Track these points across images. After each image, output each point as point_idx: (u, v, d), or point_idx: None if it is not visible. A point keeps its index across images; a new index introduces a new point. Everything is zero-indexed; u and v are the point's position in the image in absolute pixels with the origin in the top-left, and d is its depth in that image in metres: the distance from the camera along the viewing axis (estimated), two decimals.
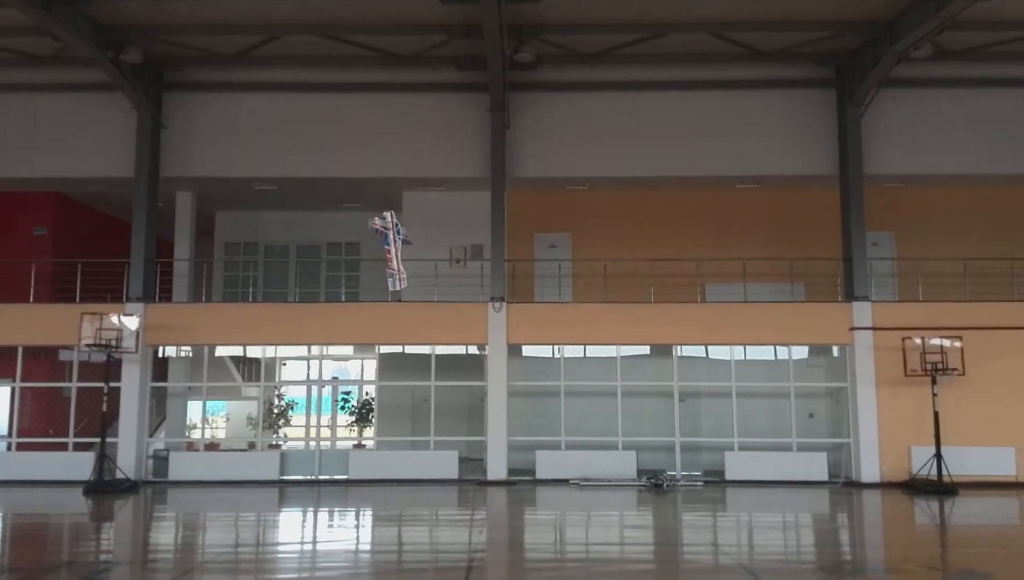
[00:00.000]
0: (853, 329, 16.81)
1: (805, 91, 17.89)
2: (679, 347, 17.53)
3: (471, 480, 16.49)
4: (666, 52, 17.05)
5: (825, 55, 17.31)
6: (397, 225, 12.12)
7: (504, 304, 16.98)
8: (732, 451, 16.90)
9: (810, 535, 12.66)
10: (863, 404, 16.58)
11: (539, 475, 16.57)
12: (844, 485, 16.44)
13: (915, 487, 15.57)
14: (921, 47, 15.89)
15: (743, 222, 19.12)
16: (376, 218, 12.36)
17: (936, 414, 15.59)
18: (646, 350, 18.25)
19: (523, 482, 16.37)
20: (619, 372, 17.27)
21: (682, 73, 17.71)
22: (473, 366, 18.09)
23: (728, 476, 16.60)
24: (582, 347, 18.17)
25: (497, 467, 16.49)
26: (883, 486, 16.08)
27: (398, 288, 11.79)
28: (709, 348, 18.00)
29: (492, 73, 16.24)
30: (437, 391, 17.36)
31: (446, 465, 16.70)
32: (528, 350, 18.33)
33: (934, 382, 15.68)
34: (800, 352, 18.00)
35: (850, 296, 17.06)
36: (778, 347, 17.81)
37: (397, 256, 11.96)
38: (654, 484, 15.83)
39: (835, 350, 17.91)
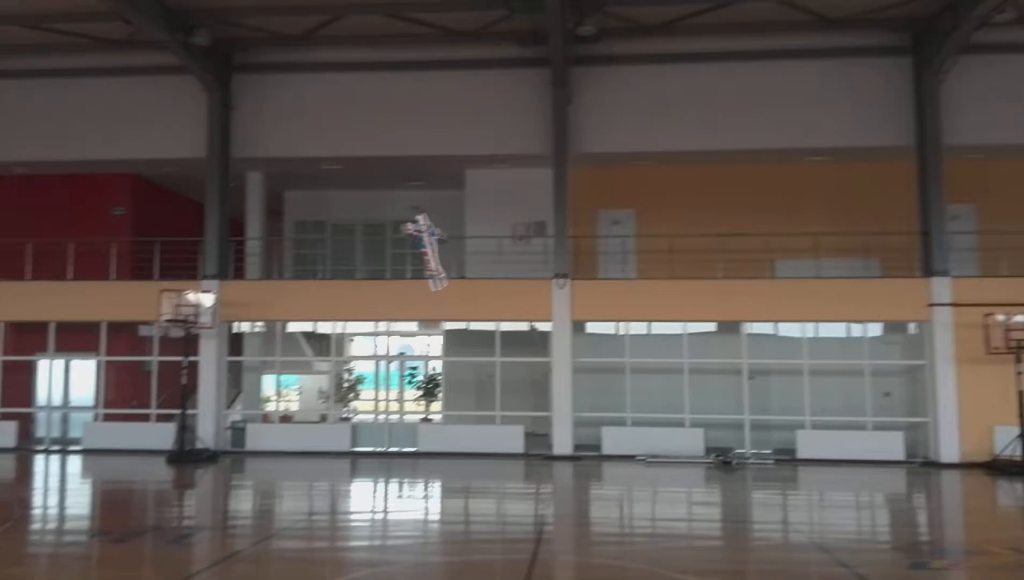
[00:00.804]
0: (931, 305, 16.25)
1: (879, 59, 17.23)
2: (748, 324, 17.23)
3: (537, 455, 16.60)
4: (733, 22, 16.61)
5: (901, 21, 16.62)
6: (431, 226, 12.36)
7: (568, 281, 16.94)
8: (804, 429, 16.59)
9: (886, 515, 12.38)
10: (942, 382, 16.06)
11: (605, 451, 16.57)
12: (922, 465, 15.99)
13: (998, 468, 15.04)
14: (1004, 10, 15.11)
15: (814, 196, 18.61)
16: (409, 223, 12.70)
17: (1021, 393, 15.01)
18: (713, 327, 18.01)
19: (589, 457, 16.40)
20: (686, 349, 17.08)
21: (750, 43, 17.25)
22: (537, 342, 18.14)
23: (800, 455, 16.32)
24: (646, 324, 18.03)
25: (563, 442, 16.56)
26: (963, 467, 15.58)
27: (438, 289, 12.06)
28: (779, 325, 17.65)
29: (553, 47, 16.10)
30: (502, 367, 17.48)
31: (512, 440, 16.84)
32: (592, 327, 18.29)
33: (1018, 360, 15.07)
34: (875, 329, 17.49)
35: (928, 271, 16.48)
36: (852, 324, 17.34)
37: (434, 257, 12.23)
38: (722, 462, 15.68)
39: (912, 327, 17.35)
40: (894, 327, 17.71)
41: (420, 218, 12.37)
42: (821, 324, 17.41)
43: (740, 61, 17.39)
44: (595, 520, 11.37)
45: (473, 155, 18.16)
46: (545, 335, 17.66)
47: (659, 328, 17.92)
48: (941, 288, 16.27)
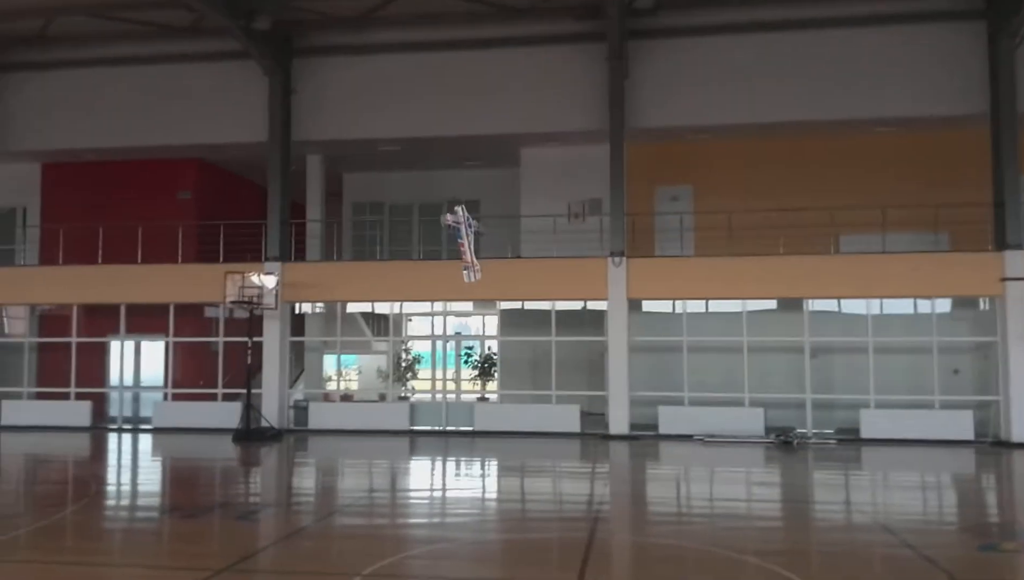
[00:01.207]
0: (1004, 280, 15.61)
1: (950, 24, 16.51)
2: (810, 301, 16.84)
3: (593, 434, 16.60)
4: None
5: None
6: (469, 218, 12.50)
7: (624, 259, 16.79)
8: (868, 408, 16.19)
9: (953, 496, 12.03)
10: (1015, 360, 15.46)
11: (662, 430, 16.47)
12: (992, 445, 15.46)
13: None
14: None
15: (880, 167, 18.00)
16: (448, 214, 12.85)
17: None
18: (773, 305, 17.65)
19: (646, 437, 16.33)
20: (745, 327, 16.80)
21: (812, 10, 16.71)
22: (593, 321, 18.07)
23: (864, 434, 15.95)
24: (704, 302, 17.78)
25: (619, 421, 16.51)
26: None
27: (473, 280, 12.21)
28: (842, 302, 17.20)
29: (610, 21, 15.87)
30: (557, 346, 17.48)
31: (568, 419, 16.86)
32: (648, 305, 18.12)
33: None
34: (943, 305, 16.91)
35: (1002, 244, 15.83)
36: (919, 300, 16.79)
37: (470, 249, 12.40)
38: (783, 441, 15.42)
39: (983, 302, 16.71)
40: (964, 303, 17.10)
41: (458, 209, 12.55)
42: (886, 300, 16.90)
43: (802, 29, 16.88)
44: (652, 500, 11.34)
45: (528, 133, 18.10)
46: (601, 314, 17.58)
47: (718, 306, 17.65)
48: (1015, 262, 15.62)
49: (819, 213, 16.52)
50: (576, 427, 16.79)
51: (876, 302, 16.82)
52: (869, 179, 17.88)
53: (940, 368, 16.21)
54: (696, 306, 17.60)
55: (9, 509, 10.40)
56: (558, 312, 17.62)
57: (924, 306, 16.70)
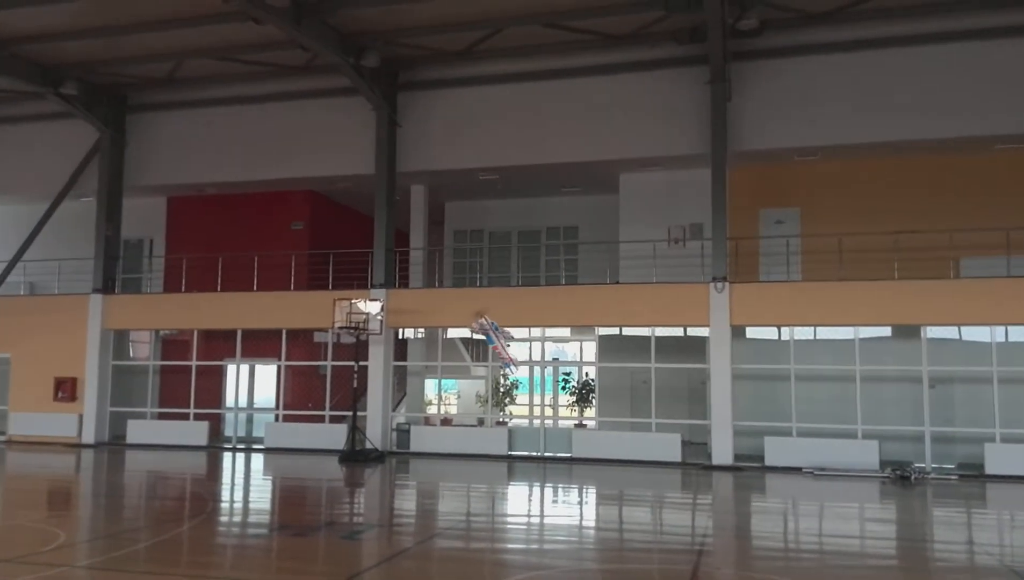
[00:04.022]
0: None
1: None
2: (928, 328, 15.98)
3: (695, 464, 16.20)
4: (904, 5, 15.55)
5: None
6: (493, 324, 14.08)
7: (727, 284, 16.44)
8: (993, 443, 15.16)
9: None
10: None
11: (768, 462, 15.91)
12: None
13: None
14: None
15: (1004, 187, 17.01)
16: (474, 323, 13.61)
17: None
18: (887, 332, 16.84)
19: (751, 468, 15.81)
20: (858, 355, 16.09)
21: (919, 26, 16.08)
22: (694, 348, 17.72)
23: (988, 470, 14.94)
24: (813, 329, 17.15)
25: (722, 452, 16.07)
26: None
27: (515, 372, 13.00)
28: (963, 329, 16.24)
29: (712, 44, 15.72)
30: (657, 373, 17.22)
31: (668, 448, 16.54)
32: (753, 331, 17.63)
33: None
34: None
35: None
36: None
37: (504, 348, 13.14)
38: (899, 476, 14.62)
39: None
40: None
41: (483, 319, 13.06)
42: (1012, 327, 15.85)
43: (911, 46, 16.28)
44: (759, 534, 10.95)
45: (628, 159, 18.07)
46: (702, 340, 17.23)
47: (827, 333, 16.99)
48: None
49: (936, 236, 15.74)
50: (677, 456, 16.45)
51: (1000, 329, 15.80)
52: (990, 199, 16.93)
53: None
54: (804, 333, 16.99)
55: (131, 523, 11.06)
56: (657, 338, 17.38)
57: None
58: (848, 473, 15.07)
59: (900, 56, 16.34)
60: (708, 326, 16.55)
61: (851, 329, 16.30)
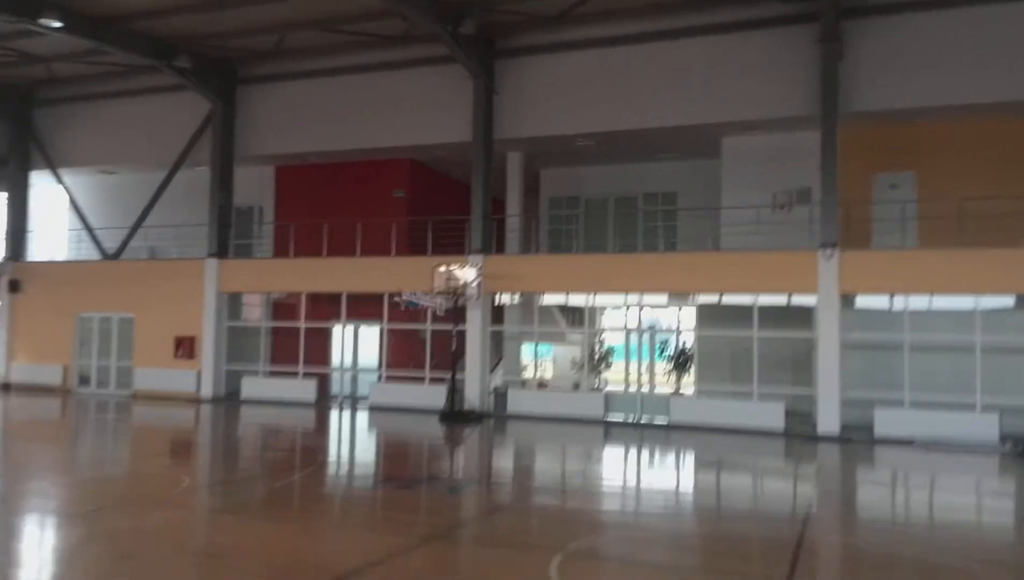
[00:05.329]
0: None
1: None
2: None
3: (799, 434, 15.82)
4: None
5: None
6: (412, 295, 17.14)
7: (836, 251, 15.83)
8: None
9: None
10: None
11: (877, 433, 15.36)
12: None
13: None
14: None
15: None
16: (401, 304, 17.41)
17: None
18: (1011, 301, 15.90)
19: (858, 439, 15.32)
20: (978, 326, 15.28)
21: None
22: (798, 317, 17.21)
23: None
24: (928, 298, 16.35)
25: (829, 422, 15.61)
26: None
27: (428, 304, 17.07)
28: None
29: (823, 1, 15.00)
30: (758, 342, 16.81)
31: (771, 416, 16.17)
32: (862, 300, 16.97)
33: None
34: None
35: None
36: None
37: (429, 298, 17.08)
38: (1021, 452, 13.87)
39: None
40: None
41: (405, 294, 17.17)
42: None
43: None
44: (867, 504, 10.67)
45: (730, 122, 17.56)
46: (806, 309, 16.73)
47: (943, 302, 16.18)
48: None
49: None
50: (780, 425, 16.06)
51: None
52: None
53: None
54: (919, 302, 16.24)
55: (248, 471, 11.75)
56: (759, 307, 16.96)
57: None
58: (963, 446, 14.39)
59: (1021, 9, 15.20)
60: (816, 294, 16.02)
61: (971, 298, 15.47)
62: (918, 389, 15.51)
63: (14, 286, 23.28)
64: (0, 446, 13.96)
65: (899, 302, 16.15)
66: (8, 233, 23.83)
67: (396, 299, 17.77)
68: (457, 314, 17.88)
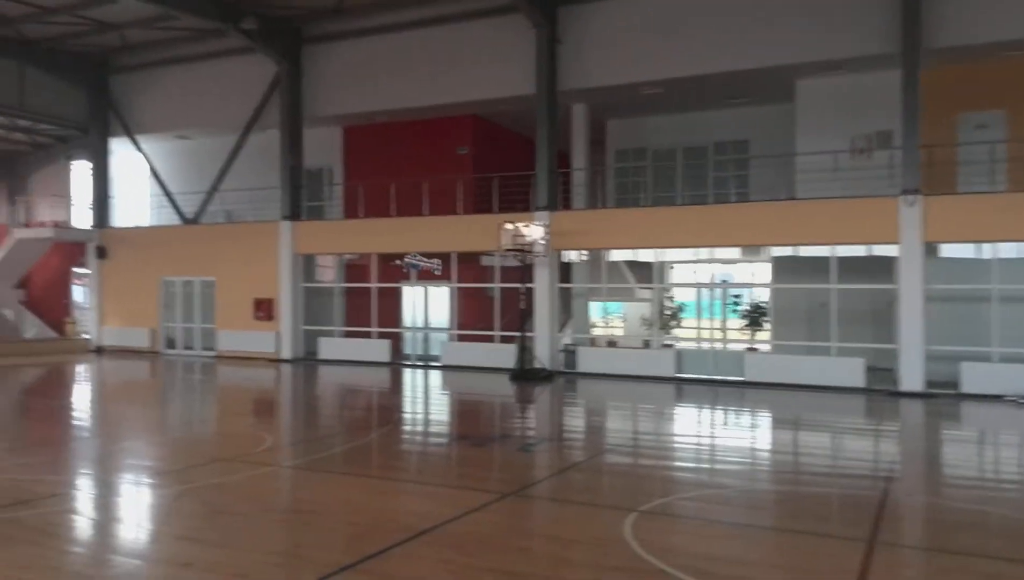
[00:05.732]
0: None
1: None
2: None
3: (880, 390, 15.34)
4: None
5: None
6: (413, 257, 17.98)
7: (919, 197, 15.11)
8: None
9: None
10: None
11: (964, 389, 14.78)
12: None
13: None
14: None
15: None
16: (403, 267, 18.13)
17: None
18: None
19: (944, 395, 14.78)
20: None
21: None
22: (878, 268, 16.58)
23: None
24: (1019, 245, 15.51)
25: (912, 378, 15.08)
26: None
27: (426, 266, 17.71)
28: None
29: None
30: (838, 295, 16.28)
31: (851, 372, 15.72)
32: (947, 249, 16.21)
33: None
34: None
35: None
36: None
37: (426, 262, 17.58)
38: None
39: None
40: None
41: (407, 258, 18.00)
42: None
43: None
44: (952, 462, 10.31)
45: (805, 63, 16.79)
46: (887, 260, 16.09)
47: None
48: None
49: None
50: (860, 382, 15.59)
51: None
52: None
53: None
54: (1008, 250, 15.42)
55: (327, 430, 12.08)
56: (837, 258, 16.38)
57: None
58: None
59: None
60: (897, 243, 15.37)
61: None
62: (1008, 342, 14.82)
63: (101, 253, 24.32)
64: (97, 408, 14.70)
65: (987, 250, 15.39)
66: (93, 201, 24.80)
67: (397, 262, 18.62)
68: (525, 272, 17.83)
